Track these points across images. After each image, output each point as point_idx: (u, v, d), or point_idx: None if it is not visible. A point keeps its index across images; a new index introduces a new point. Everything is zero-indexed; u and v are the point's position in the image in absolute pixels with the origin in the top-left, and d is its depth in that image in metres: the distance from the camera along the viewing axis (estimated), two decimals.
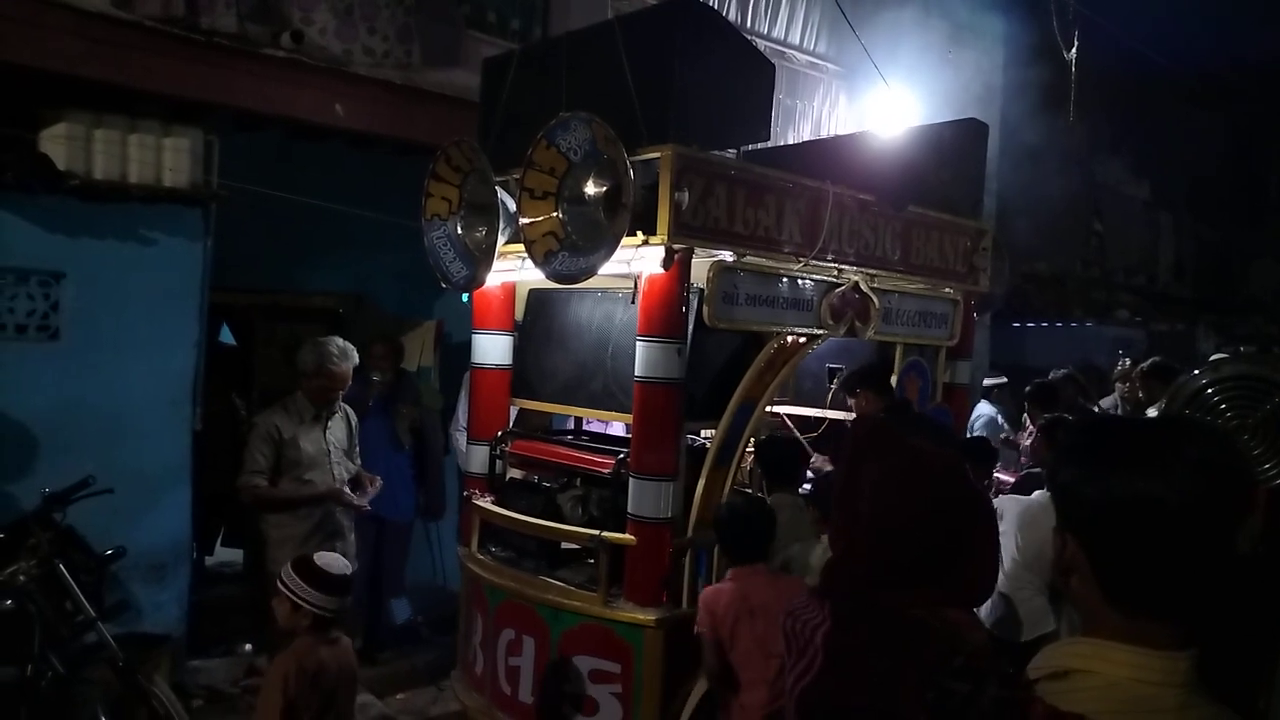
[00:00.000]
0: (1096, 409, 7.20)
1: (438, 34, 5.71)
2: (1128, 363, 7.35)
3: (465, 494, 4.38)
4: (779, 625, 2.65)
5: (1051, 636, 4.19)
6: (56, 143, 4.53)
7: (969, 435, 6.16)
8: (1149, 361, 6.67)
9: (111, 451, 4.65)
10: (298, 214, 5.26)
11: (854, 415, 4.65)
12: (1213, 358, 2.34)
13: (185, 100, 4.84)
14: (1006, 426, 7.07)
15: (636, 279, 3.55)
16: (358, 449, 4.83)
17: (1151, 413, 5.88)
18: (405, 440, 5.72)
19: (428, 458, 5.98)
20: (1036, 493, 4.43)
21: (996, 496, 4.83)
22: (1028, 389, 6.80)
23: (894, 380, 4.51)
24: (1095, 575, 1.14)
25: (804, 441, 4.68)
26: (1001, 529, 4.41)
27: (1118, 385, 7.29)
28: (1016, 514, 4.42)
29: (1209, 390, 2.00)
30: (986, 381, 7.65)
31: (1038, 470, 4.99)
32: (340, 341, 4.47)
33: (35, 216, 4.57)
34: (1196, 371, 2.08)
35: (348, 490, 4.57)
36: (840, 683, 1.72)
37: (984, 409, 7.31)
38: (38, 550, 3.76)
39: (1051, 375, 7.33)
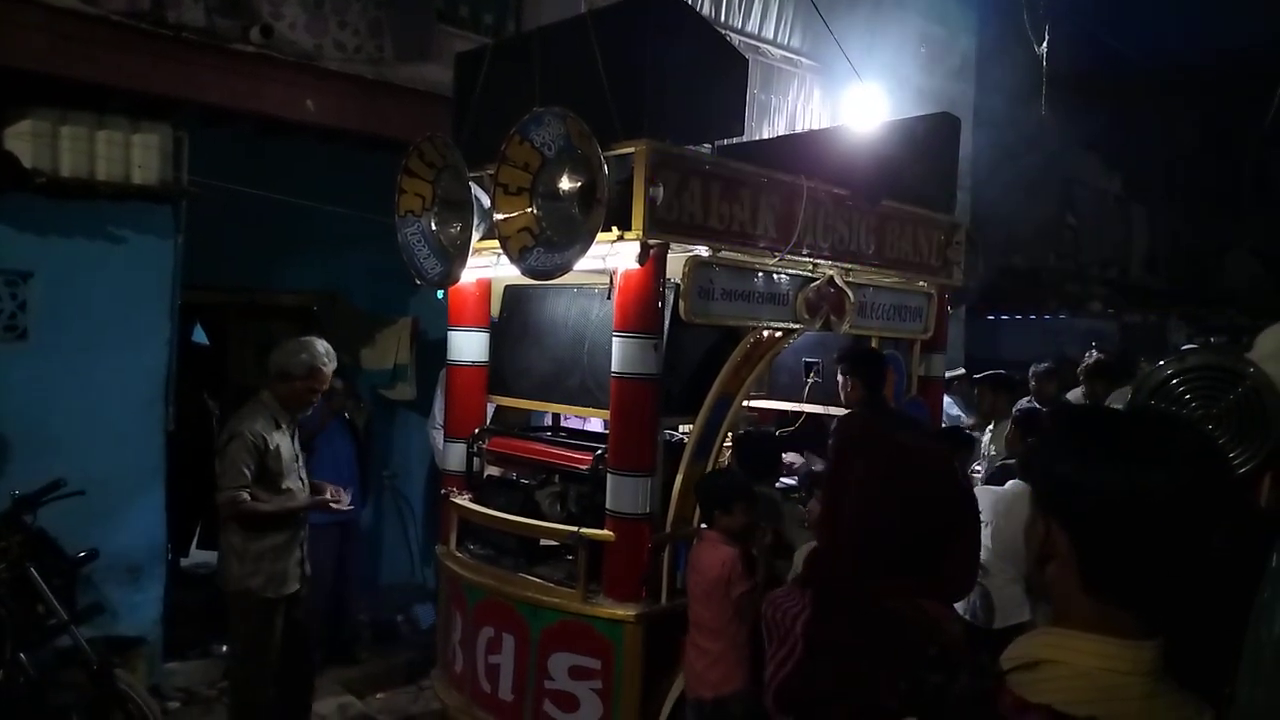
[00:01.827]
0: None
1: (409, 28, 5.67)
2: (1093, 354, 7.41)
3: (443, 492, 4.36)
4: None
5: (1026, 625, 4.23)
6: (22, 140, 4.46)
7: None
8: (1093, 360, 6.69)
9: (83, 453, 4.59)
10: (270, 211, 5.21)
11: (838, 405, 4.67)
12: (1182, 348, 2.37)
13: (153, 96, 4.78)
14: (964, 417, 7.09)
15: (612, 274, 3.54)
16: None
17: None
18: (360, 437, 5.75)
19: (367, 453, 6.02)
20: (1010, 482, 4.47)
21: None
22: (978, 377, 6.79)
23: None
24: (1078, 563, 1.14)
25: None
26: None
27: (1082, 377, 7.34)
28: (990, 504, 4.45)
29: (1174, 381, 2.02)
30: (946, 374, 7.68)
31: (1011, 461, 5.02)
32: (324, 342, 4.34)
33: (1, 215, 4.49)
34: (1162, 363, 2.10)
35: (330, 495, 4.42)
36: (819, 671, 1.73)
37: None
38: (8, 554, 3.71)
39: (1033, 369, 7.38)
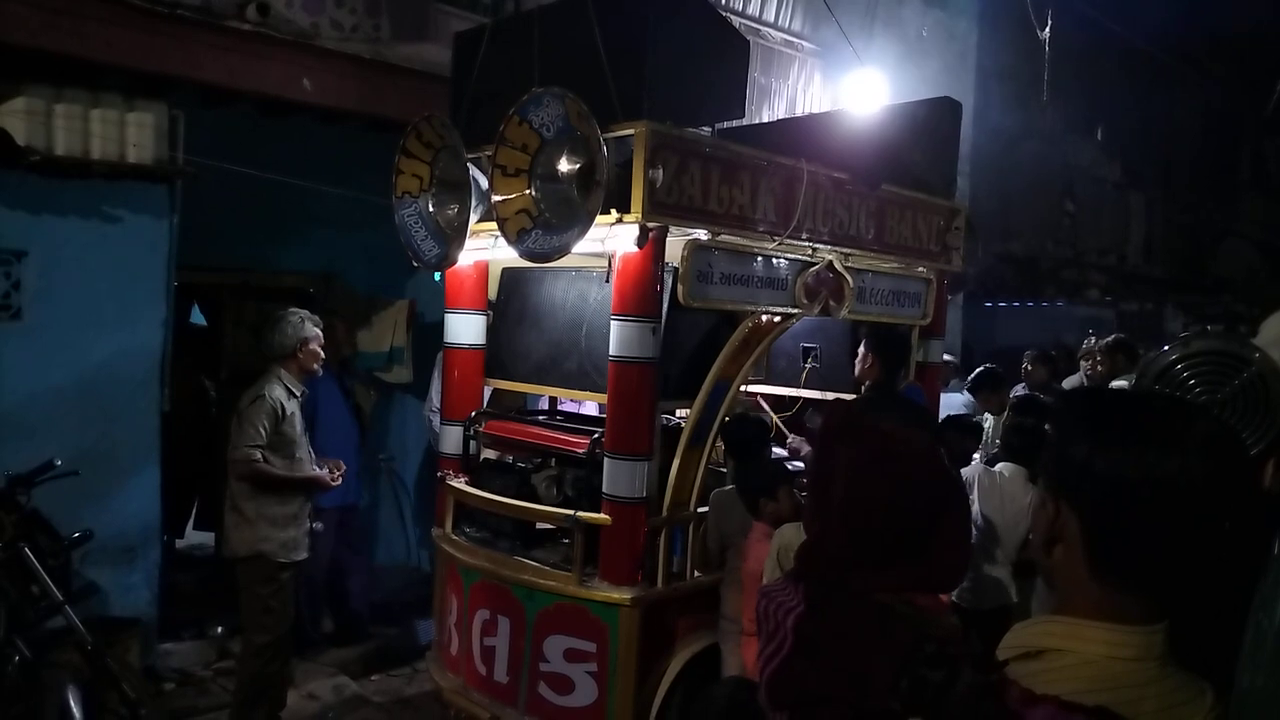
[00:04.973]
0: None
1: (407, 7, 5.62)
2: (1093, 341, 7.42)
3: (439, 475, 4.36)
4: None
5: (1013, 607, 4.25)
6: (15, 117, 4.42)
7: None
8: (1113, 337, 6.71)
9: (78, 433, 4.58)
10: (267, 191, 5.18)
11: (835, 391, 4.67)
12: (1181, 334, 2.35)
13: (149, 74, 4.73)
14: (967, 399, 7.08)
15: (611, 257, 3.52)
16: None
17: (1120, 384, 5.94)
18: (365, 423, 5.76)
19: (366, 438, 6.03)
20: (1000, 464, 4.47)
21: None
22: (970, 384, 6.75)
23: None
24: (1087, 547, 1.12)
25: (780, 423, 4.70)
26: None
27: (1082, 363, 7.35)
28: (982, 485, 4.47)
29: (1178, 366, 2.00)
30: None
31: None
32: (297, 310, 4.42)
33: None
34: (1166, 348, 2.08)
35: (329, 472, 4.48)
36: (809, 668, 1.71)
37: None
38: (2, 534, 3.70)
39: (1026, 354, 7.38)
